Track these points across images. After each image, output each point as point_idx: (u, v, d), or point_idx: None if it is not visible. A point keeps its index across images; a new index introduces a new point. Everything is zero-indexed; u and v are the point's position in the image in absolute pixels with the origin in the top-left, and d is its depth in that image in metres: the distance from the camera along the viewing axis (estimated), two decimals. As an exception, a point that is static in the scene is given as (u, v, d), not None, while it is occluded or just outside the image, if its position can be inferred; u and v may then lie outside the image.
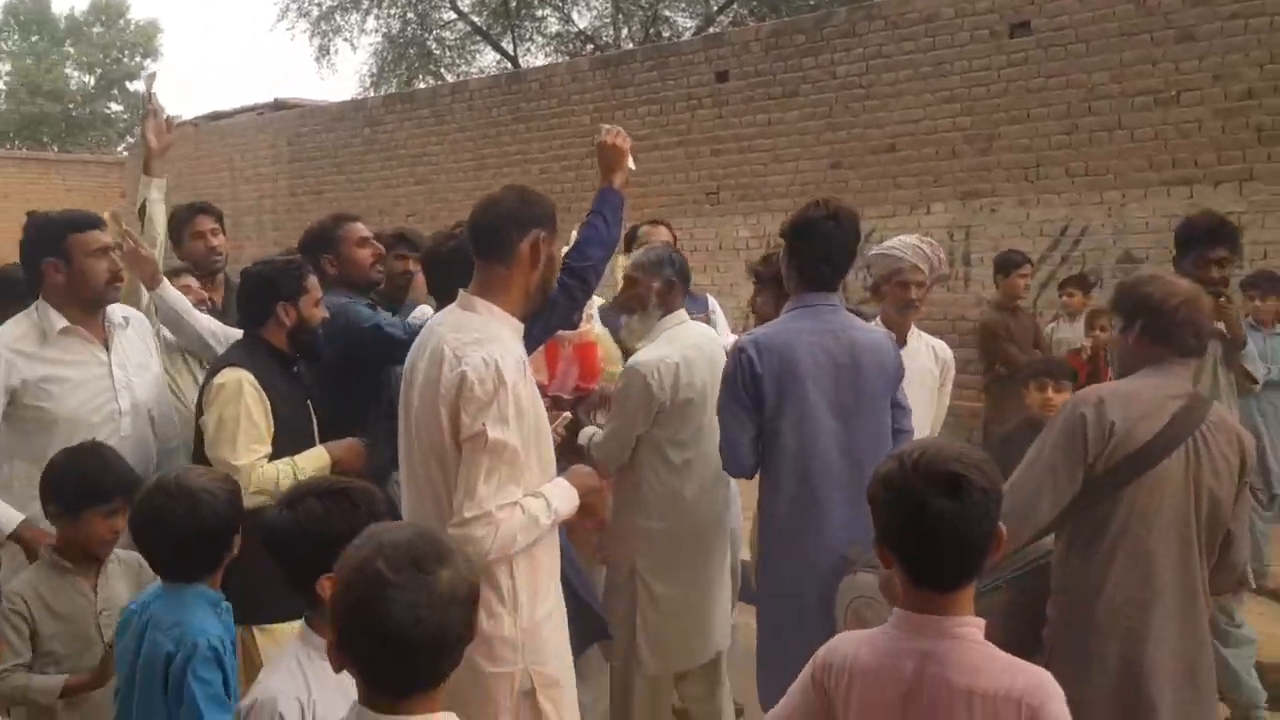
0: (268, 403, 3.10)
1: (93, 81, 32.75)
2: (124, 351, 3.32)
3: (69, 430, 3.06)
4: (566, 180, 11.63)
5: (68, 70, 32.40)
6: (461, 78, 19.16)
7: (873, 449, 3.11)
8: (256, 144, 15.24)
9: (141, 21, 33.16)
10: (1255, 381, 4.92)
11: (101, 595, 2.80)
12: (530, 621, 2.52)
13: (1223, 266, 4.45)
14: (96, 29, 32.58)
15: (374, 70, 21.81)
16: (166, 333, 3.76)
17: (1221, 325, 4.39)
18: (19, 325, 3.21)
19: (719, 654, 3.73)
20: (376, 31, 21.37)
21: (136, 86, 32.19)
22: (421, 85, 19.26)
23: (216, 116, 16.31)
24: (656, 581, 3.53)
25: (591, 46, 20.58)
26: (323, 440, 3.31)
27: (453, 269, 3.10)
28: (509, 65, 20.25)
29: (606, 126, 3.47)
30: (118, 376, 3.25)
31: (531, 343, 2.94)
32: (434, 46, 21.88)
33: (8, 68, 32.19)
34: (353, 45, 23.92)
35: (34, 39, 32.17)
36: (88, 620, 2.77)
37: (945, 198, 8.98)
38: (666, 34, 20.05)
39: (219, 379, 3.10)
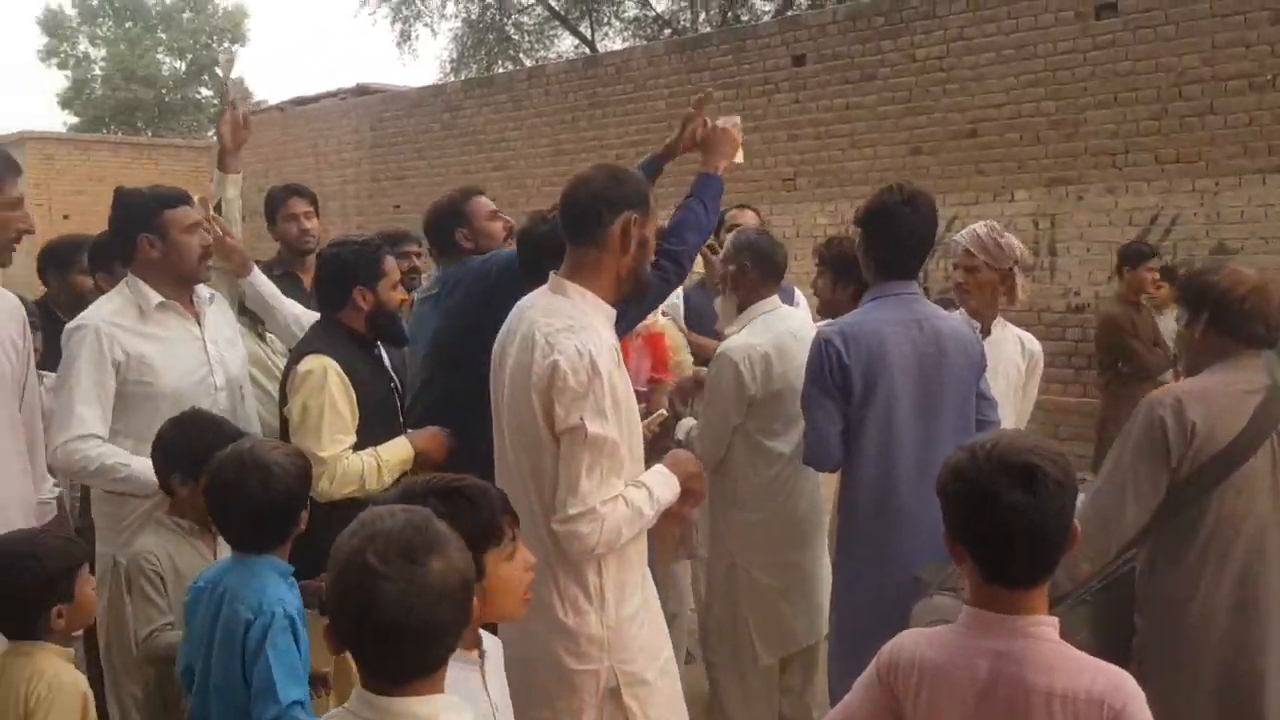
0: (352, 390, 3.06)
1: (183, 67, 33.60)
2: (215, 327, 3.34)
3: (171, 405, 3.04)
4: (642, 166, 11.62)
5: (160, 56, 33.29)
6: (539, 63, 19.24)
7: (955, 441, 3.02)
8: (340, 129, 15.50)
9: (229, 7, 33.93)
10: None
11: (220, 557, 2.79)
12: (616, 619, 2.48)
13: None
14: (186, 15, 33.40)
15: (454, 55, 22.05)
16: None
17: None
18: (112, 301, 3.20)
19: (817, 642, 3.68)
20: (456, 17, 21.61)
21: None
22: (500, 70, 19.40)
23: (301, 102, 16.60)
24: (760, 573, 3.51)
25: (669, 30, 20.51)
26: (420, 423, 3.30)
27: (546, 252, 3.03)
28: (586, 50, 20.28)
29: (728, 117, 3.40)
30: (211, 352, 3.26)
31: (625, 326, 2.90)
32: (513, 31, 22.02)
33: (103, 54, 33.19)
34: (433, 30, 24.25)
35: (128, 26, 33.10)
36: None
37: (1029, 184, 8.78)
38: (745, 17, 19.88)
39: (303, 366, 3.06)
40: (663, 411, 3.51)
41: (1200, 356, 2.66)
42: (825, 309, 4.05)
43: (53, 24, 32.89)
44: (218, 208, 3.71)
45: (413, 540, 1.54)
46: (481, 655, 2.00)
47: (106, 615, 2.99)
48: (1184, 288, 2.77)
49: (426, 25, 21.51)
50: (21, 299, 3.15)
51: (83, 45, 33.42)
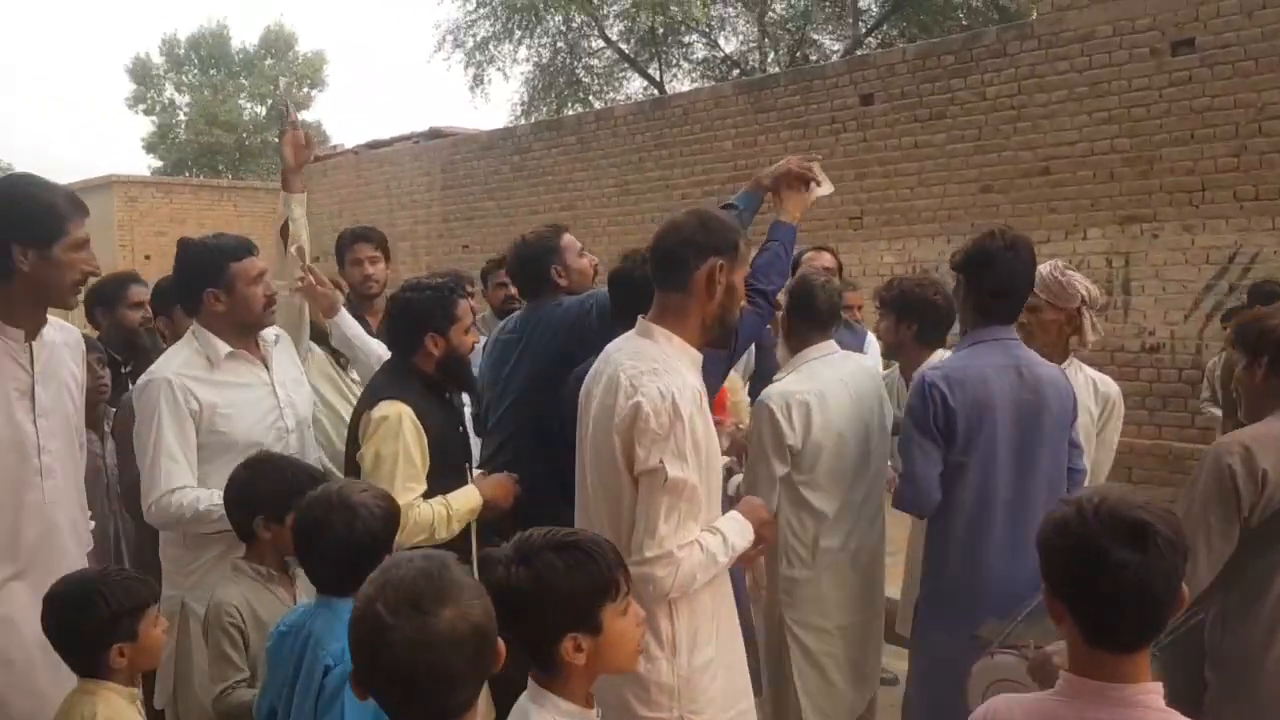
0: (425, 436, 3.06)
1: (263, 112, 34.58)
2: (282, 369, 3.36)
3: (246, 451, 3.05)
4: (709, 205, 11.64)
5: (241, 101, 34.31)
6: (608, 104, 19.46)
7: (1048, 488, 3.03)
8: (412, 171, 15.80)
9: (309, 53, 34.88)
10: None
11: (300, 602, 2.80)
12: (688, 668, 2.45)
13: None
14: (268, 61, 34.41)
15: (525, 98, 22.39)
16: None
17: None
18: (179, 354, 3.22)
19: (872, 699, 3.62)
20: (528, 60, 21.93)
21: (304, 116, 33.87)
22: (570, 112, 19.65)
23: (376, 145, 16.97)
24: (806, 634, 3.42)
25: (738, 71, 20.63)
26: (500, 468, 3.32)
27: (641, 294, 3.12)
28: (656, 91, 20.47)
29: (806, 156, 3.44)
30: (281, 395, 3.28)
31: (727, 366, 2.86)
32: (583, 74, 22.31)
33: (187, 100, 34.32)
34: (505, 74, 24.65)
35: (211, 73, 34.22)
36: None
37: (1103, 223, 8.63)
38: (814, 57, 19.94)
39: (378, 412, 3.05)
40: (725, 458, 3.46)
41: (1262, 400, 2.58)
42: (889, 351, 4.02)
43: (141, 72, 34.14)
44: (284, 227, 3.73)
45: (423, 590, 1.55)
46: (599, 716, 1.98)
47: (174, 660, 3.03)
48: (1242, 331, 2.69)
49: (499, 69, 21.96)
50: (85, 337, 3.17)
51: (168, 92, 34.63)
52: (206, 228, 15.92)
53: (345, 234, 4.62)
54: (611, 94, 22.36)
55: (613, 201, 12.78)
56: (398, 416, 3.02)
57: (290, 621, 2.43)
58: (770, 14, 20.94)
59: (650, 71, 21.57)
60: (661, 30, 20.01)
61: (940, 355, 3.82)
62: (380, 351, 3.80)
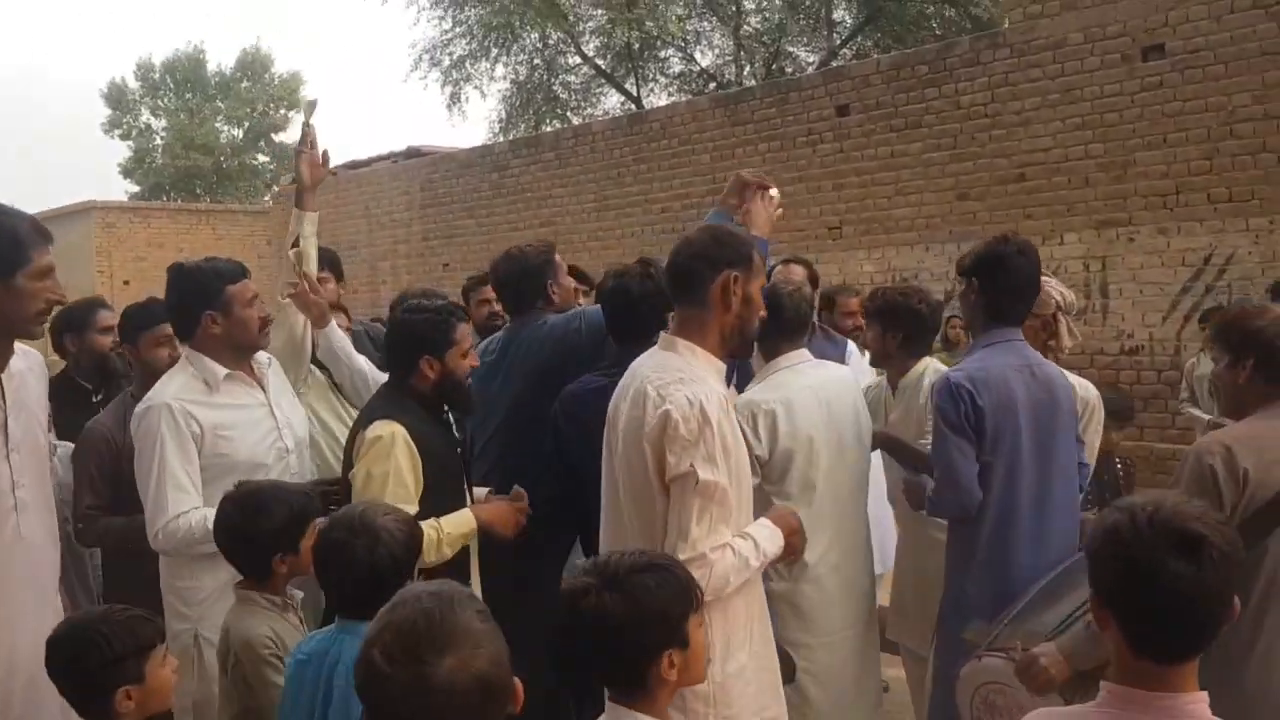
0: (419, 458, 3.01)
1: (241, 134, 34.52)
2: (277, 390, 3.35)
3: (247, 473, 3.01)
4: (688, 218, 11.70)
5: (218, 125, 34.24)
6: (586, 120, 19.52)
7: (1064, 483, 3.10)
8: (391, 191, 15.80)
9: (285, 75, 34.83)
10: None
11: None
12: (722, 674, 2.45)
13: None
14: (244, 84, 34.36)
15: (503, 116, 22.40)
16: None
17: None
18: (175, 380, 3.18)
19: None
20: (505, 78, 21.96)
21: (282, 138, 33.83)
22: (548, 129, 19.70)
23: (354, 165, 16.97)
24: (795, 649, 3.36)
25: (714, 85, 20.72)
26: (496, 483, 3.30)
27: (635, 308, 3.18)
28: (633, 106, 20.54)
29: (768, 191, 3.39)
30: (279, 416, 3.27)
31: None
32: (560, 91, 22.36)
33: (164, 124, 34.22)
34: (482, 92, 24.64)
35: (187, 96, 34.13)
36: None
37: (1079, 228, 8.70)
38: (789, 70, 20.05)
39: (372, 431, 3.00)
40: None
41: (1245, 400, 2.61)
42: (876, 360, 4.04)
43: (116, 97, 34.03)
44: (295, 243, 3.71)
45: (421, 634, 1.50)
46: None
47: (194, 694, 2.96)
48: (1225, 331, 2.70)
49: (476, 87, 21.90)
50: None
51: (144, 116, 34.50)
52: (185, 252, 15.88)
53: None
54: (589, 110, 22.41)
55: (592, 217, 12.81)
56: (391, 436, 2.98)
57: (310, 649, 2.37)
58: (745, 27, 21.05)
59: (627, 87, 21.64)
60: (637, 45, 20.09)
61: (928, 362, 3.85)
62: (366, 369, 3.79)
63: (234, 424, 3.13)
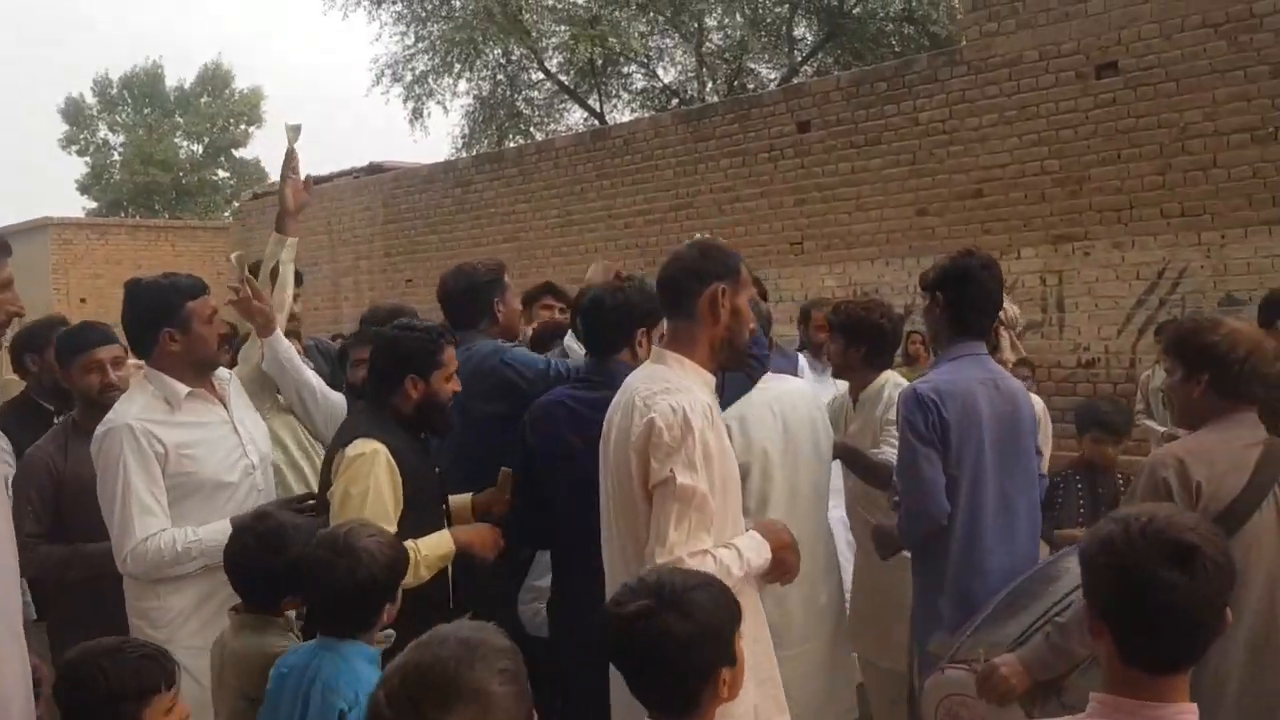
0: (399, 478, 2.98)
1: (200, 150, 34.21)
2: (239, 408, 3.31)
3: (213, 491, 3.05)
4: (651, 234, 11.74)
5: (177, 140, 33.92)
6: (549, 136, 19.54)
7: (1025, 497, 3.15)
8: (353, 207, 15.72)
9: (246, 90, 34.58)
10: None
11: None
12: None
13: None
14: (204, 99, 34.08)
15: (465, 131, 22.37)
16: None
17: None
18: (136, 400, 3.12)
19: None
20: (468, 94, 21.92)
21: (242, 153, 33.58)
22: (511, 145, 19.70)
23: (316, 181, 16.79)
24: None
25: (677, 101, 20.82)
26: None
27: (606, 321, 3.19)
28: (596, 122, 20.58)
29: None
30: (242, 433, 3.24)
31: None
32: (523, 106, 22.35)
33: (122, 140, 33.86)
34: (445, 108, 24.55)
35: (146, 112, 33.79)
36: None
37: (1035, 242, 8.82)
38: (751, 86, 20.18)
39: (353, 450, 2.96)
40: None
41: (1198, 413, 2.65)
42: (839, 373, 4.08)
43: (73, 112, 33.64)
44: (273, 271, 3.69)
45: (430, 687, 1.46)
46: None
47: None
48: (1179, 345, 2.73)
49: (438, 103, 21.83)
50: None
51: (102, 132, 34.17)
52: (144, 269, 15.69)
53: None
54: (552, 125, 22.43)
55: (555, 232, 12.81)
56: (373, 454, 2.94)
57: (291, 663, 2.38)
58: (707, 44, 21.18)
59: (590, 102, 21.69)
60: (600, 61, 20.14)
61: (889, 375, 3.89)
62: (315, 383, 3.76)
63: (197, 442, 3.09)
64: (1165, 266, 8.13)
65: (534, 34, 20.02)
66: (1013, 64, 8.90)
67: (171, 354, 3.14)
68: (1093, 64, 8.44)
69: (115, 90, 33.87)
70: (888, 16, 19.28)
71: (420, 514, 3.04)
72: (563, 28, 19.77)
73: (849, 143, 10.09)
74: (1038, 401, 3.84)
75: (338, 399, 3.86)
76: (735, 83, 20.58)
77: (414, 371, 3.08)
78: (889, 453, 3.50)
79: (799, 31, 20.74)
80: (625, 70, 21.68)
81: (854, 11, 19.20)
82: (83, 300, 17.85)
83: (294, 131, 3.88)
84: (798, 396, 3.59)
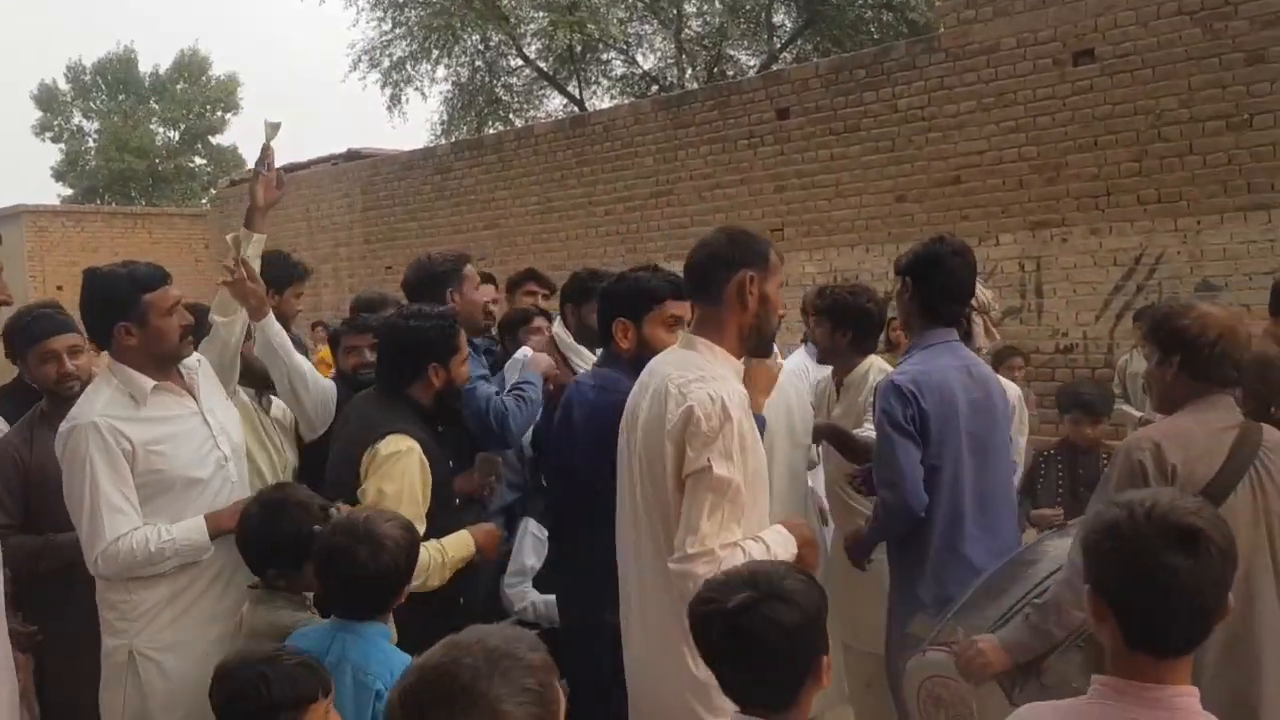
0: (429, 475, 2.94)
1: (177, 136, 33.90)
2: (208, 396, 3.15)
3: (185, 487, 2.93)
4: (631, 221, 11.75)
5: (153, 126, 33.61)
6: (529, 123, 19.48)
7: (1001, 481, 3.18)
8: (331, 194, 15.64)
9: (222, 77, 34.29)
10: None
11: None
12: None
13: None
14: (180, 85, 33.75)
15: (444, 118, 22.26)
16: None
17: None
18: (100, 395, 2.96)
19: None
20: (446, 80, 21.82)
21: (219, 140, 33.31)
22: (491, 131, 19.62)
23: (293, 168, 16.74)
24: None
25: (656, 87, 20.78)
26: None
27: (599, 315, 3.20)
28: (575, 109, 20.53)
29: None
30: (212, 424, 3.08)
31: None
32: (502, 93, 22.27)
33: (97, 126, 33.51)
34: (423, 94, 24.31)
35: (121, 98, 33.45)
36: None
37: (1014, 229, 8.87)
38: (730, 73, 20.17)
39: (388, 446, 2.90)
40: None
41: (1173, 396, 2.68)
42: (825, 357, 4.10)
43: (47, 99, 33.27)
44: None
45: (442, 695, 1.43)
46: None
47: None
48: (1154, 327, 2.76)
49: (417, 89, 21.71)
50: None
51: (76, 119, 33.81)
52: (120, 256, 15.50)
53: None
54: (531, 112, 22.36)
55: (535, 219, 12.79)
56: (408, 451, 2.89)
57: (306, 647, 2.36)
58: (686, 31, 21.14)
59: (569, 89, 21.62)
60: (579, 48, 20.07)
61: (873, 360, 3.91)
62: (306, 369, 3.72)
63: (166, 438, 2.95)
64: (1142, 252, 8.20)
65: (512, 20, 19.94)
66: (990, 51, 8.93)
67: (130, 348, 2.98)
68: (1070, 51, 8.48)
69: (89, 76, 33.51)
70: (866, 4, 19.30)
71: (442, 509, 3.00)
72: (541, 14, 19.70)
73: (828, 129, 10.11)
74: (1014, 390, 3.86)
75: (328, 385, 3.82)
76: (715, 69, 20.56)
77: (435, 359, 3.04)
78: (870, 430, 3.52)
79: (778, 18, 20.74)
80: (604, 57, 21.63)
81: (833, -2, 19.21)
82: (59, 288, 17.63)
83: (273, 129, 3.81)
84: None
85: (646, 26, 21.28)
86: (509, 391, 3.69)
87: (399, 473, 2.87)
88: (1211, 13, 7.76)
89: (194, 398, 3.10)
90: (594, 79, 21.99)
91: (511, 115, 22.11)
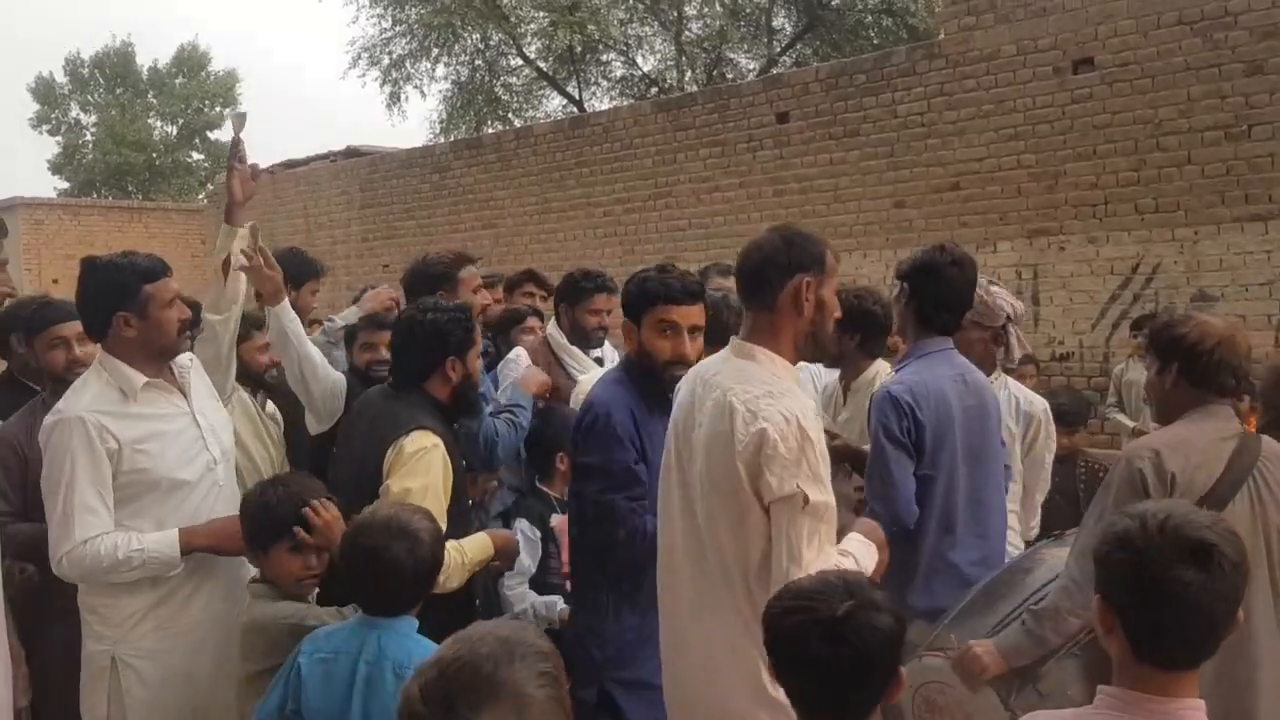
0: (451, 473, 2.92)
1: (175, 131, 33.84)
2: (200, 397, 3.08)
3: (170, 489, 2.86)
4: (630, 222, 11.74)
5: (151, 121, 33.54)
6: (528, 123, 19.48)
7: (994, 489, 3.16)
8: (330, 191, 15.62)
9: (221, 72, 34.24)
10: None
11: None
12: None
13: None
14: (179, 80, 33.70)
15: (443, 117, 22.26)
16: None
17: None
18: (88, 388, 2.88)
19: None
20: (446, 79, 21.83)
21: (217, 135, 33.24)
22: (490, 131, 19.61)
23: (291, 165, 16.73)
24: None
25: (656, 90, 20.79)
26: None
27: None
28: (575, 109, 20.53)
29: None
30: (202, 424, 3.01)
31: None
32: (501, 93, 22.27)
33: (94, 120, 33.44)
34: (423, 92, 24.35)
35: (119, 92, 33.39)
36: None
37: (1011, 236, 8.88)
38: (730, 76, 20.19)
39: (412, 444, 2.86)
40: None
41: (1172, 405, 2.69)
42: (833, 361, 4.09)
43: (44, 91, 33.20)
44: (225, 262, 3.59)
45: (465, 685, 1.42)
46: None
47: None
48: (1154, 337, 2.78)
49: (416, 87, 21.73)
50: None
51: (74, 112, 33.73)
52: (116, 249, 15.51)
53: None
54: (531, 112, 22.37)
55: (534, 219, 12.78)
56: (433, 448, 2.87)
57: (334, 647, 2.36)
58: (687, 33, 21.16)
59: (569, 90, 21.63)
60: (579, 49, 20.07)
61: (881, 366, 3.91)
62: (317, 358, 3.70)
63: (153, 436, 2.87)
64: (1139, 262, 8.21)
65: (513, 19, 19.95)
66: (990, 58, 8.94)
67: (127, 340, 2.90)
68: (1069, 59, 8.49)
69: (87, 70, 33.44)
70: (866, 8, 19.35)
71: (458, 505, 2.98)
72: (541, 14, 19.72)
73: (828, 134, 10.11)
74: (1037, 402, 3.85)
75: (338, 377, 3.80)
76: (714, 72, 20.58)
77: (454, 353, 3.02)
78: None
79: (778, 22, 20.77)
80: (604, 58, 21.65)
81: (833, 3, 19.26)
82: (55, 281, 17.59)
83: (239, 120, 3.74)
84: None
85: (646, 28, 21.31)
86: (500, 413, 3.67)
87: (424, 469, 2.84)
88: (1212, 23, 7.77)
89: (185, 397, 3.02)
90: (594, 80, 22.02)
91: (511, 115, 22.12)
